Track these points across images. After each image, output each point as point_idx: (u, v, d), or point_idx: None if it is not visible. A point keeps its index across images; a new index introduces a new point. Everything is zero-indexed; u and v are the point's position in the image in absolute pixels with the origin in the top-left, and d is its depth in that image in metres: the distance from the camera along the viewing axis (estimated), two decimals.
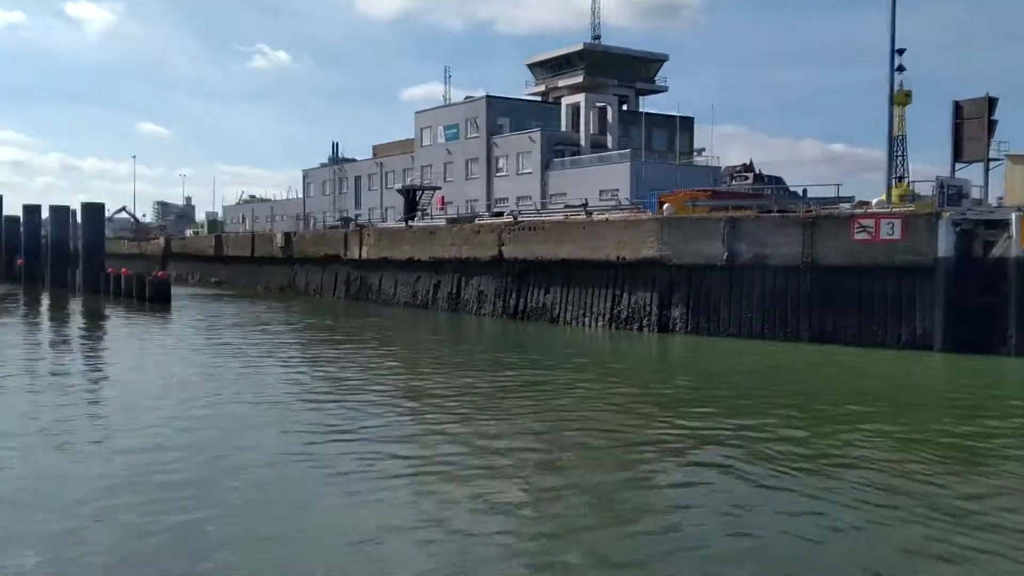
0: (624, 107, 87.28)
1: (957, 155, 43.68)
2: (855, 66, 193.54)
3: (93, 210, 67.58)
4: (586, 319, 43.48)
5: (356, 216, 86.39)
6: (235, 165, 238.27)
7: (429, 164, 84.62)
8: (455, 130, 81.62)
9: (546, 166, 71.39)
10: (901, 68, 59.06)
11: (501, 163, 76.18)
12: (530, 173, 72.57)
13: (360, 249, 62.95)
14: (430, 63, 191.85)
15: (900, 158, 62.66)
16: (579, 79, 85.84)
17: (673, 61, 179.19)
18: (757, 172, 65.73)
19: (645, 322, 40.79)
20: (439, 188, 69.46)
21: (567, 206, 49.18)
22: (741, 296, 38.07)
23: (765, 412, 21.61)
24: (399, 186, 70.68)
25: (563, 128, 75.47)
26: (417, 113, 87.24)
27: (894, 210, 35.17)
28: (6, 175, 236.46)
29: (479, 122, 78.25)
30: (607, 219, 43.58)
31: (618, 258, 41.85)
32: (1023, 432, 20.82)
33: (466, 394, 24.15)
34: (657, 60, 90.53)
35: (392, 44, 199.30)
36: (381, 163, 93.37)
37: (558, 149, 72.55)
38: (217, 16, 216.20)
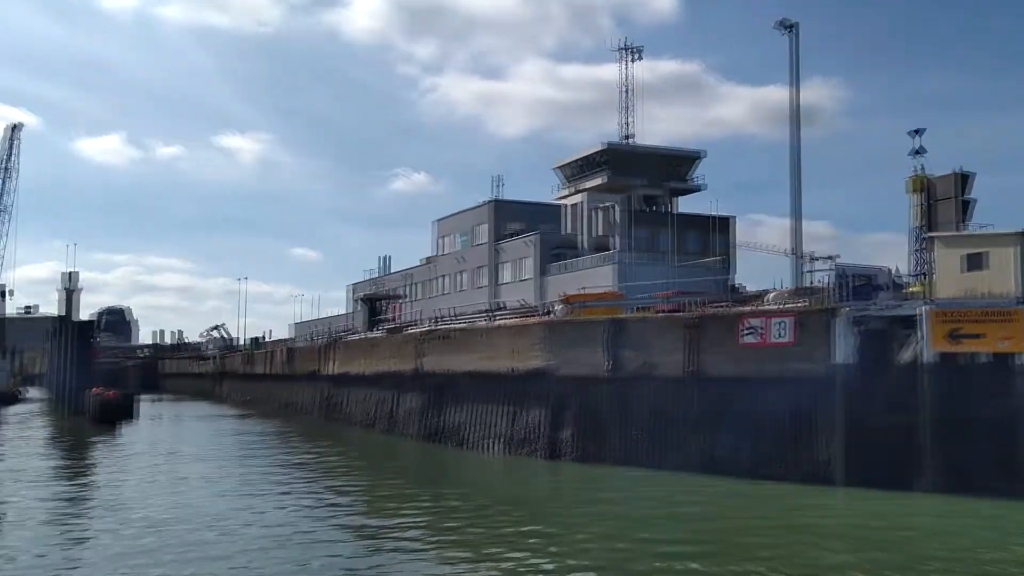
0: (654, 207, 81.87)
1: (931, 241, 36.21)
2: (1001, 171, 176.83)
3: (81, 329, 66.48)
4: (487, 442, 37.56)
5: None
6: None
7: (446, 274, 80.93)
8: (468, 238, 78.01)
9: (544, 271, 66.37)
10: (921, 150, 51.50)
11: (505, 269, 71.65)
12: (530, 279, 67.65)
13: (333, 364, 59.07)
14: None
15: (920, 252, 54.09)
16: (603, 180, 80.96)
17: (812, 167, 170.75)
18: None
19: (537, 445, 34.60)
20: (401, 298, 65.30)
21: (489, 311, 43.83)
22: (629, 415, 31.56)
23: None
24: (360, 295, 66.88)
25: (568, 231, 70.54)
26: (436, 222, 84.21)
27: (786, 307, 28.37)
28: (175, 300, 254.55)
29: (485, 229, 74.35)
30: (502, 325, 38.09)
31: (511, 369, 36.16)
32: None
33: None
34: (690, 158, 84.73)
35: (524, 159, 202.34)
36: (411, 274, 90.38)
37: (558, 252, 67.47)
38: (357, 142, 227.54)
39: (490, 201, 75.44)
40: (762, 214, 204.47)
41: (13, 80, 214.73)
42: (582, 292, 38.94)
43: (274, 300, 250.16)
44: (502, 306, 43.97)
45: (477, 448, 38.03)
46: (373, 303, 60.15)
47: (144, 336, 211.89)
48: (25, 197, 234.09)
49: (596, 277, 58.42)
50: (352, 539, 21.01)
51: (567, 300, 38.13)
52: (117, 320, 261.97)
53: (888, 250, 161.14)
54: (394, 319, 57.69)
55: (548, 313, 40.09)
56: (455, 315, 45.44)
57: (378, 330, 54.71)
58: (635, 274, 57.92)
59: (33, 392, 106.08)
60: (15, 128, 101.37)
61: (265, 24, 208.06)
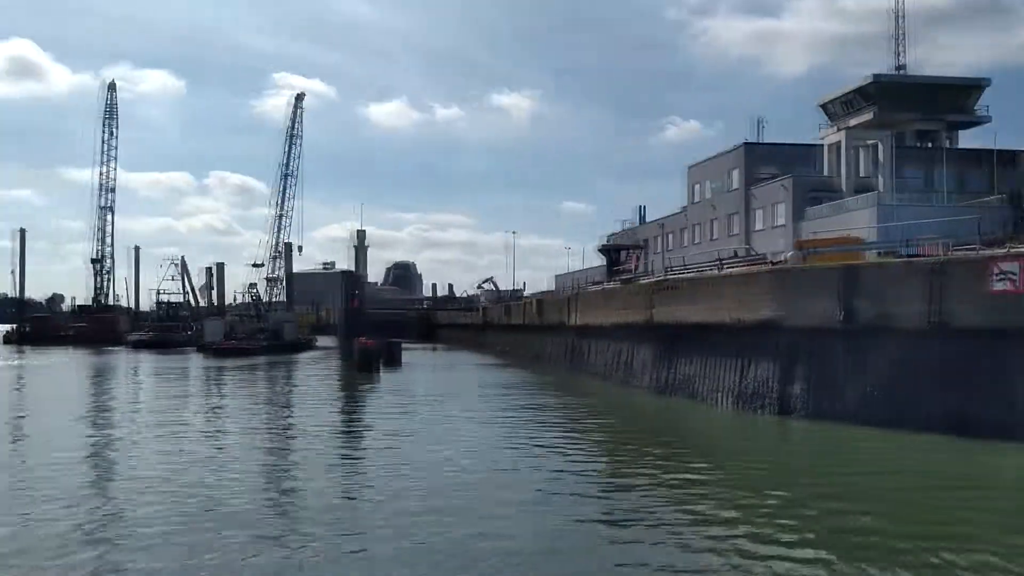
0: (931, 144, 74.60)
1: None
2: None
3: (350, 279, 71.51)
4: (717, 395, 36.01)
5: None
6: None
7: (699, 222, 78.53)
8: (720, 183, 75.02)
9: (801, 216, 62.40)
10: None
11: (757, 215, 68.17)
12: (783, 225, 63.92)
13: (576, 315, 59.36)
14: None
15: None
16: (871, 115, 74.59)
17: None
18: None
19: (768, 400, 32.61)
20: (641, 248, 63.64)
21: (720, 260, 41.45)
22: (864, 369, 28.81)
23: None
24: (601, 244, 65.96)
25: (827, 173, 65.69)
26: (689, 167, 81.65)
27: None
28: (458, 254, 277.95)
29: (737, 174, 71.05)
30: (729, 274, 36.02)
31: (739, 320, 34.23)
32: None
33: None
34: (972, 87, 75.85)
35: (803, 100, 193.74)
36: (663, 224, 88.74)
37: (814, 196, 63.05)
38: (627, 93, 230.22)
39: (742, 145, 71.93)
40: None
41: (313, 53, 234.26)
42: (814, 237, 35.90)
43: (546, 253, 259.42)
44: (736, 254, 41.65)
45: (707, 401, 36.57)
46: (611, 254, 59.54)
47: (428, 289, 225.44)
48: (320, 162, 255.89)
49: (855, 221, 54.02)
50: (580, 489, 20.72)
51: (800, 246, 35.39)
52: (404, 274, 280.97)
53: None
54: (634, 269, 56.84)
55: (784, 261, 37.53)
56: (685, 264, 43.73)
57: (614, 281, 54.14)
58: (900, 216, 52.94)
59: (324, 341, 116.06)
60: (299, 98, 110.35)
61: None
